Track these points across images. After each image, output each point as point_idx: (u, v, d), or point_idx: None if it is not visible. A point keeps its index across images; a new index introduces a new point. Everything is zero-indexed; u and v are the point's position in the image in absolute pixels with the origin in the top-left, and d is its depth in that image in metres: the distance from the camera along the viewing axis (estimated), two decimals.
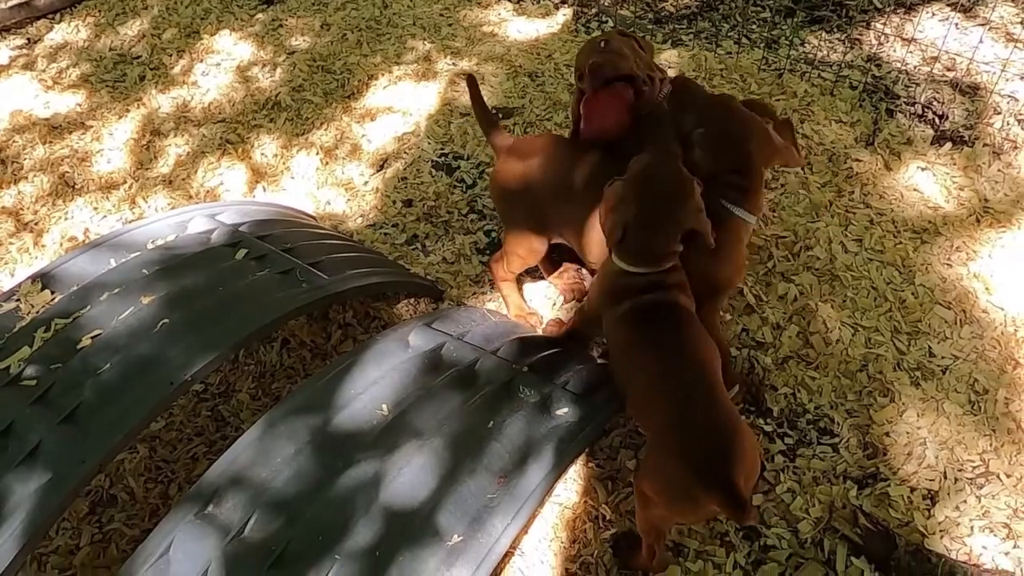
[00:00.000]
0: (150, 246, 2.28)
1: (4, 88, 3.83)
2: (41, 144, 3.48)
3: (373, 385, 1.88)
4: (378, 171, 3.19)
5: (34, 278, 2.15)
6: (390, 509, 1.60)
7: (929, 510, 2.07)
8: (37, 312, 2.04)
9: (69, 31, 4.14)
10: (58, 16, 4.24)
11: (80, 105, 3.68)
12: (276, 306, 2.04)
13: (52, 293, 2.09)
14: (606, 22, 3.80)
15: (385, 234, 2.95)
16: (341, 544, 1.55)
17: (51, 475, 1.67)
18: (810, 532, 2.05)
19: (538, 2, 3.98)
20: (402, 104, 3.44)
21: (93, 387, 1.81)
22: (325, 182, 3.18)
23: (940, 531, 2.03)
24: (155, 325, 1.96)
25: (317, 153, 3.29)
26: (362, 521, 1.59)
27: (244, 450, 1.73)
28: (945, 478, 2.12)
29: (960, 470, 2.14)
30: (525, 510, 1.59)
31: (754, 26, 3.72)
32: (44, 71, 3.91)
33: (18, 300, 2.09)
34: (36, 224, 3.16)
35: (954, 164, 2.90)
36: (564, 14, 3.87)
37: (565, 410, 1.88)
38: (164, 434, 2.49)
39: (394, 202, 3.05)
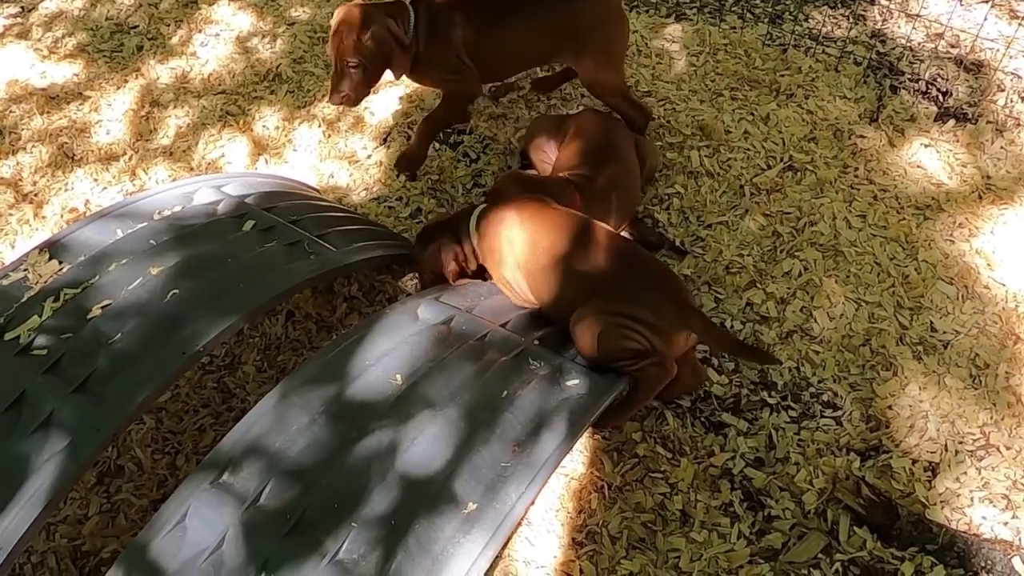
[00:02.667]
0: (156, 216, 2.26)
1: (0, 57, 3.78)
2: (39, 114, 3.44)
3: (385, 356, 1.89)
4: (381, 144, 3.17)
5: (41, 248, 2.14)
6: (405, 477, 1.62)
7: (930, 481, 2.11)
8: (45, 282, 2.03)
9: None
10: None
11: (77, 75, 3.63)
12: (286, 277, 2.04)
13: (60, 263, 2.08)
14: None
15: (389, 207, 2.94)
16: (357, 512, 1.57)
17: (66, 444, 1.68)
18: (814, 503, 2.09)
19: None
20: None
21: (106, 356, 1.81)
22: (328, 155, 3.16)
23: (941, 502, 2.07)
24: (165, 295, 1.95)
25: (319, 126, 3.26)
26: (377, 489, 1.60)
27: (258, 419, 1.73)
28: (946, 450, 2.16)
29: (961, 443, 2.17)
30: (539, 478, 1.61)
31: (758, 1, 3.70)
32: (40, 40, 3.84)
33: (26, 270, 2.07)
34: (36, 195, 3.13)
35: (957, 141, 2.91)
36: None
37: (575, 381, 1.89)
38: (170, 405, 2.50)
39: (397, 176, 3.03)
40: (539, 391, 1.85)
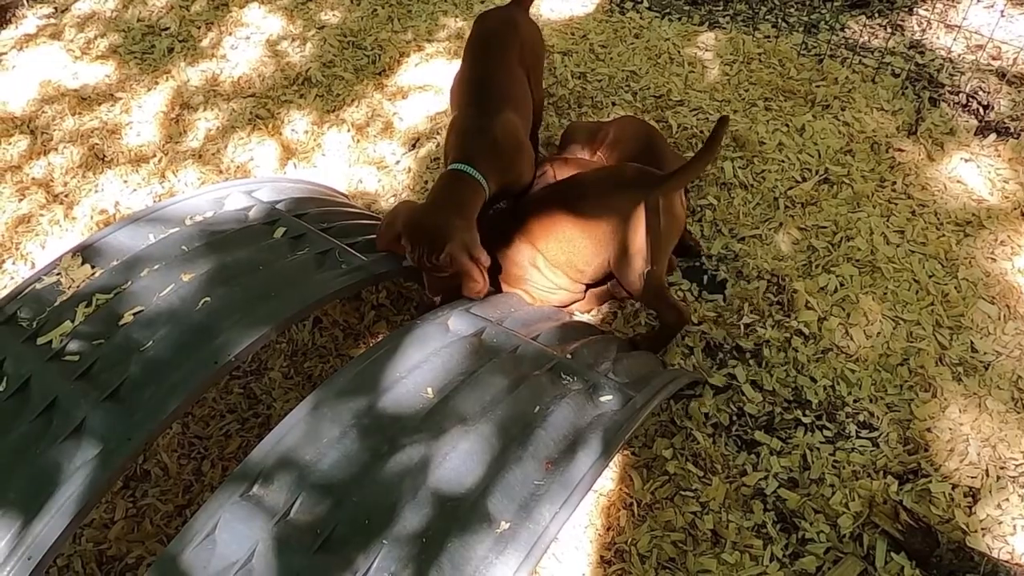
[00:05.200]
0: (188, 222, 2.26)
1: (33, 57, 3.80)
2: (71, 115, 3.46)
3: (416, 369, 1.87)
4: (411, 150, 3.16)
5: (74, 252, 2.13)
6: (438, 494, 1.59)
7: (971, 508, 2.05)
8: (78, 286, 2.02)
9: (96, 1, 4.10)
10: None
11: (109, 76, 3.65)
12: (318, 287, 2.02)
13: (92, 267, 2.08)
14: (641, 2, 3.73)
15: None
16: (389, 529, 1.54)
17: (97, 452, 1.67)
18: (849, 527, 2.04)
19: None
20: (434, 82, 3.39)
21: (137, 364, 1.80)
22: (357, 160, 3.15)
23: (982, 529, 2.01)
24: (197, 303, 1.94)
25: (349, 130, 3.25)
26: (409, 506, 1.57)
27: (288, 431, 1.71)
28: (987, 476, 2.10)
29: (1003, 468, 2.11)
30: (574, 498, 1.57)
31: (792, 9, 3.65)
32: (72, 41, 3.87)
33: (59, 274, 2.07)
34: (67, 196, 3.15)
35: (999, 156, 2.85)
36: None
37: (609, 397, 1.86)
38: (197, 410, 2.49)
39: (426, 182, 3.02)
40: (573, 407, 1.81)
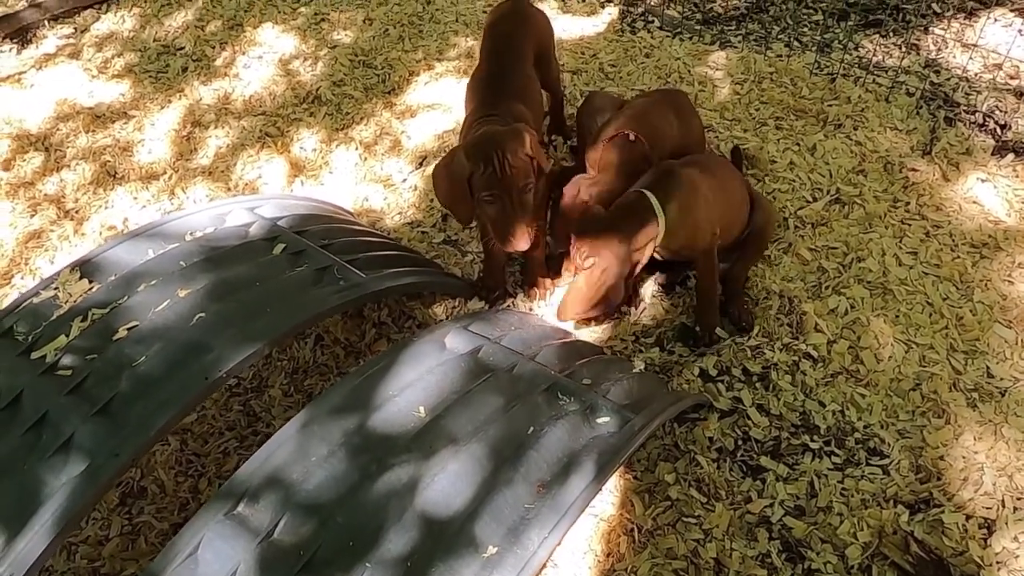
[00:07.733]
0: (188, 238, 2.26)
1: (51, 76, 3.86)
2: (84, 133, 3.50)
3: (409, 387, 1.84)
4: (418, 168, 3.15)
5: (73, 267, 2.14)
6: (424, 517, 1.55)
7: (986, 540, 1.97)
8: (75, 301, 2.02)
9: (115, 21, 4.17)
10: (105, 6, 4.28)
11: (124, 95, 3.69)
12: (313, 303, 2.00)
13: (90, 282, 2.08)
14: (652, 22, 3.72)
15: (423, 233, 2.90)
16: (373, 551, 1.50)
17: (84, 467, 1.65)
18: (858, 558, 1.96)
19: (583, 0, 3.91)
20: (443, 101, 3.40)
21: (129, 379, 1.79)
22: (364, 178, 3.15)
23: (997, 563, 1.92)
24: (192, 318, 1.93)
25: (357, 148, 3.25)
26: (395, 528, 1.54)
27: (277, 449, 1.69)
28: (1003, 506, 2.01)
29: (1019, 498, 2.03)
30: (564, 522, 1.53)
31: (805, 29, 3.61)
32: (90, 60, 3.93)
33: (56, 288, 2.08)
34: (77, 212, 3.17)
35: (1016, 176, 2.78)
36: (610, 13, 3.80)
37: (607, 419, 1.81)
38: (195, 428, 2.47)
39: (432, 200, 3.00)
40: (568, 429, 1.77)
